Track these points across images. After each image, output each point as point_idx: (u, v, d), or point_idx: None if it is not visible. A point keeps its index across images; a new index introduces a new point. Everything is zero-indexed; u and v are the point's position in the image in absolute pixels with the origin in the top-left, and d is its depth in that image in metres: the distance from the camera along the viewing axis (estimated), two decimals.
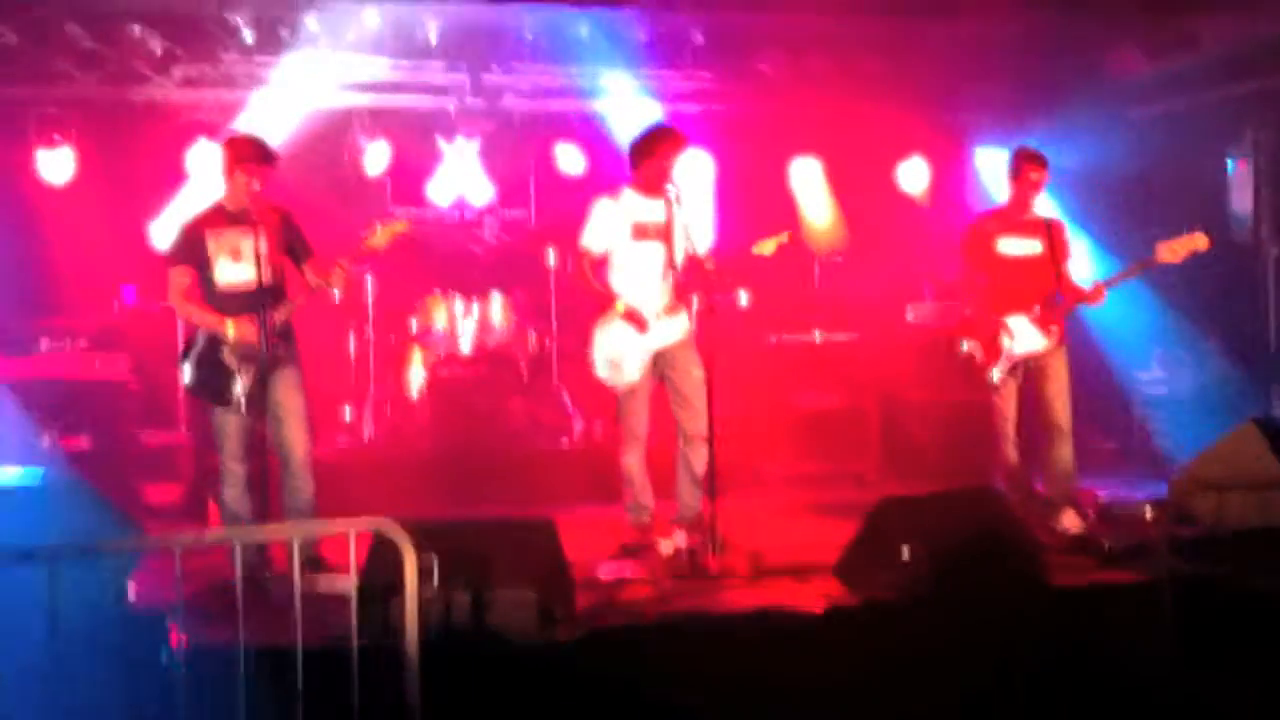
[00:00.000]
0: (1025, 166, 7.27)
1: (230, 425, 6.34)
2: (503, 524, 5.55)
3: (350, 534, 4.41)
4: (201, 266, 6.39)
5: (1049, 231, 7.37)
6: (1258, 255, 10.01)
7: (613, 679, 4.95)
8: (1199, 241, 6.88)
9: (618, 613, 5.48)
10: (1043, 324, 7.20)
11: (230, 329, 6.24)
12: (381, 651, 4.38)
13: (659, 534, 6.96)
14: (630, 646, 5.12)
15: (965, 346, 7.35)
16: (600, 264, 7.06)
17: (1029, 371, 7.28)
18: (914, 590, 5.49)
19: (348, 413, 9.74)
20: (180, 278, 6.41)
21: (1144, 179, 10.09)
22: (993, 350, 7.25)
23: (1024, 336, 7.21)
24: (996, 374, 7.25)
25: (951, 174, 11.34)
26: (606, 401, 7.85)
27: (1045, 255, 7.32)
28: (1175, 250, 6.87)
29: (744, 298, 9.78)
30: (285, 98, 9.81)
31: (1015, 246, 7.33)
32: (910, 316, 10.06)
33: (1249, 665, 5.38)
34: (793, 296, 10.14)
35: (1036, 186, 7.31)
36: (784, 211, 10.74)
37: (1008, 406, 7.31)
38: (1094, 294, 7.11)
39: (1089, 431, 8.63)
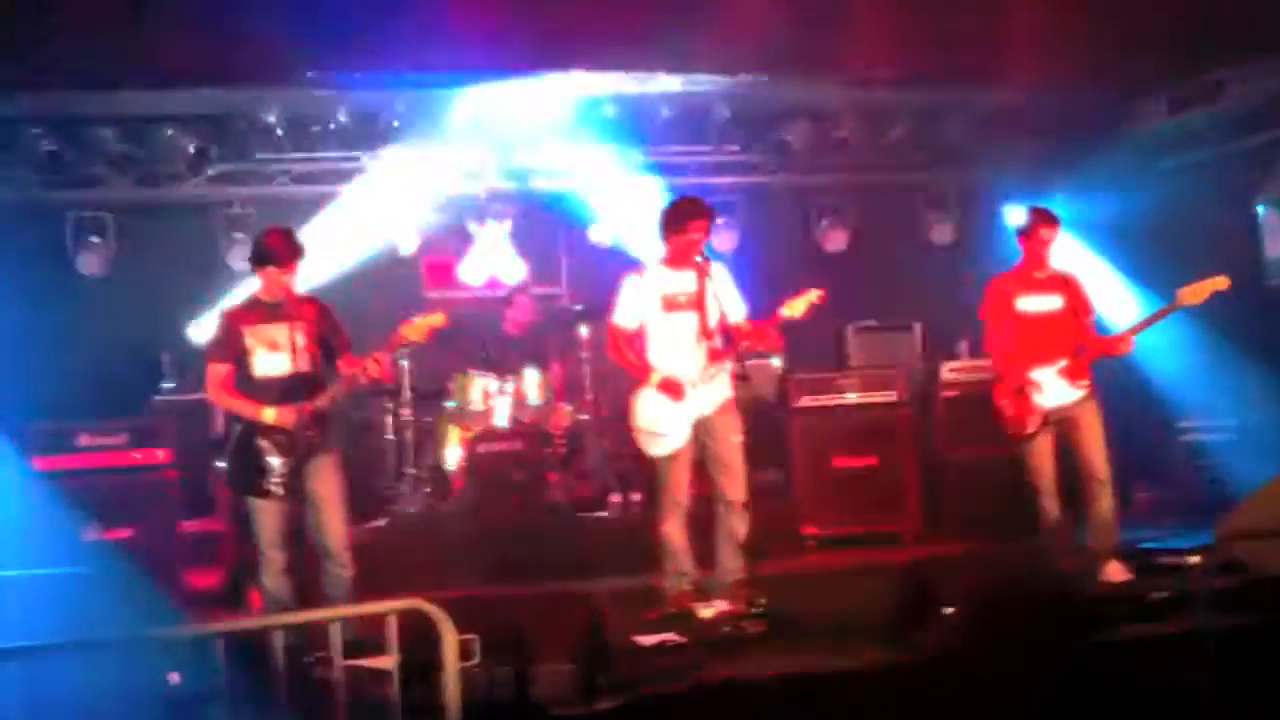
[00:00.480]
0: (1038, 225, 7.37)
1: (267, 513, 6.40)
2: (541, 597, 5.57)
3: (390, 615, 4.44)
4: (239, 359, 6.49)
5: (1066, 286, 7.44)
6: None
7: None
8: (1220, 283, 6.90)
9: (658, 680, 5.45)
10: (1070, 376, 7.22)
11: (268, 415, 6.33)
12: None
13: (699, 601, 6.96)
14: (670, 713, 5.10)
15: (1003, 405, 7.37)
16: (635, 337, 7.12)
17: (1062, 425, 7.28)
18: (955, 649, 5.44)
19: (386, 493, 9.80)
20: (218, 371, 6.52)
21: (1175, 228, 10.06)
22: (1023, 406, 7.27)
23: (1052, 390, 7.23)
24: (1029, 429, 7.27)
25: (981, 230, 11.36)
26: (643, 472, 7.86)
27: (1065, 309, 7.39)
28: (1197, 293, 6.90)
29: (778, 361, 9.82)
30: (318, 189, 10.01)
31: (1034, 304, 7.40)
32: (945, 374, 10.04)
33: None
34: (826, 359, 10.16)
35: (1048, 244, 7.39)
36: (814, 275, 10.74)
37: (1043, 461, 7.31)
38: (1119, 342, 7.12)
39: (1131, 481, 8.57)
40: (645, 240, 9.18)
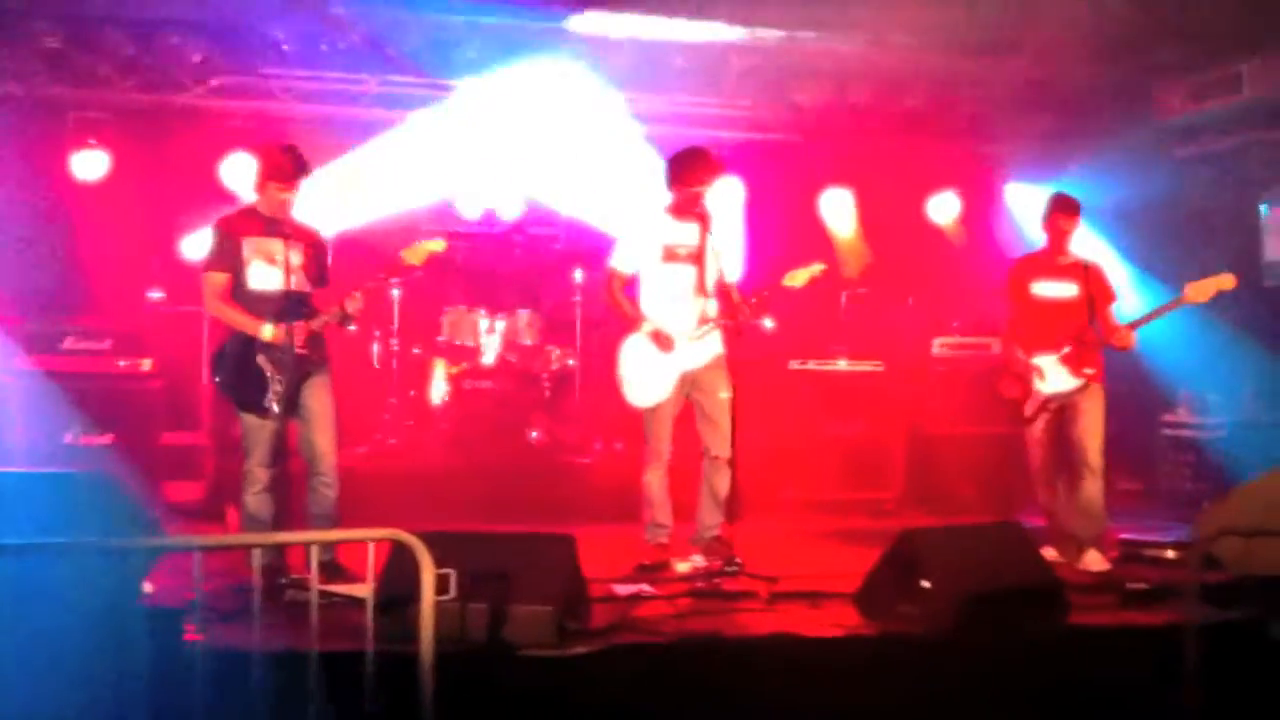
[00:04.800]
0: (1055, 214, 7.36)
1: (262, 431, 6.32)
2: (521, 538, 5.51)
3: (369, 542, 4.40)
4: (235, 271, 6.41)
5: (1086, 274, 7.39)
6: None
7: (625, 696, 4.93)
8: (1225, 281, 6.86)
9: (633, 630, 5.42)
10: (1072, 364, 7.19)
11: (266, 331, 6.26)
12: (396, 660, 4.36)
13: (676, 554, 6.95)
14: (644, 664, 5.07)
15: (1006, 387, 7.41)
16: (630, 284, 7.07)
17: (1062, 411, 7.27)
18: (932, 622, 5.44)
19: (370, 422, 9.75)
20: (217, 281, 6.42)
21: (1181, 220, 10.06)
22: (1024, 391, 7.31)
23: (1053, 376, 7.23)
24: (1027, 411, 7.30)
25: (983, 209, 11.31)
26: (628, 420, 7.83)
27: (1081, 297, 7.34)
28: (1203, 290, 6.84)
29: (770, 323, 9.78)
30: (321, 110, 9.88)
31: (1049, 289, 7.39)
32: (936, 349, 10.02)
33: (1269, 714, 5.33)
34: (819, 324, 10.13)
35: (1066, 232, 7.36)
36: (815, 240, 10.72)
37: (1036, 447, 7.34)
38: (1120, 335, 7.08)
39: (1113, 471, 8.58)
40: (648, 188, 9.08)
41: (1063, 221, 7.34)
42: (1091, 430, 7.22)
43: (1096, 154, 10.05)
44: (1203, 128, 10.11)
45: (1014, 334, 7.50)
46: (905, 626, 5.51)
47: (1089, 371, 7.21)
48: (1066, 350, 7.20)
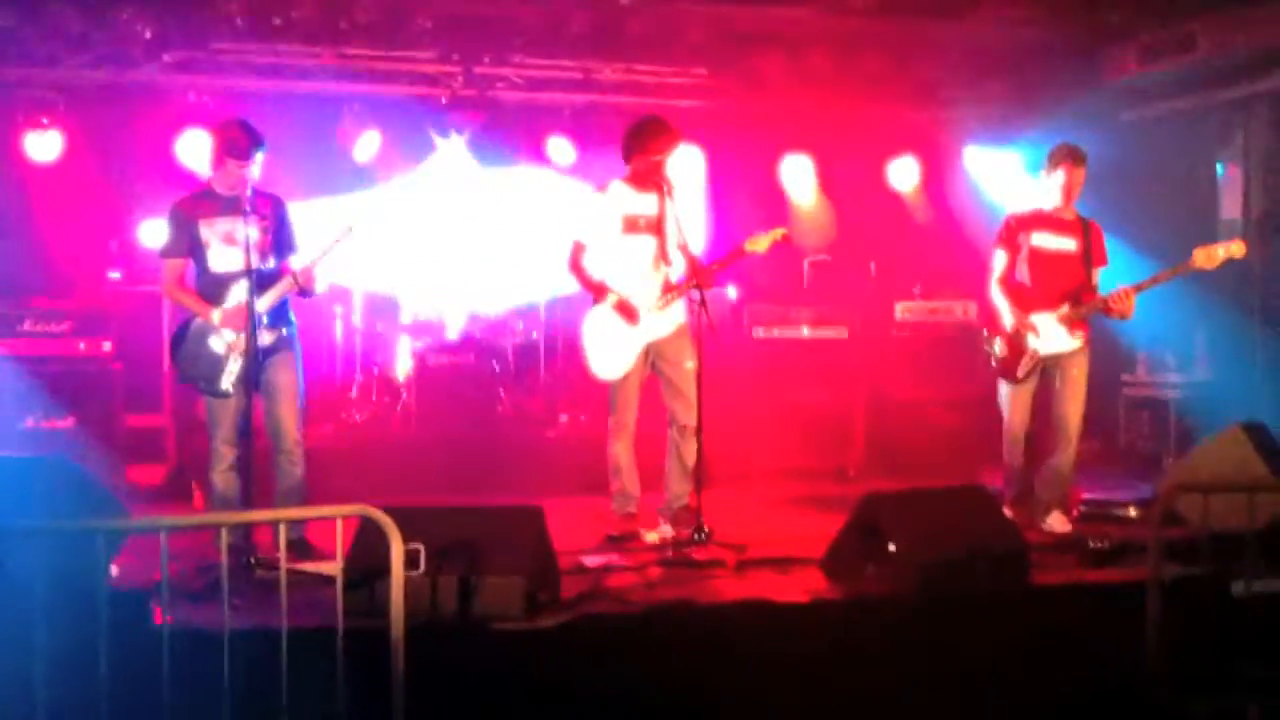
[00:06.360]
0: (1063, 164, 7.06)
1: (225, 410, 6.35)
2: (490, 511, 5.53)
3: (337, 520, 4.40)
4: (195, 253, 6.39)
5: (1086, 231, 7.18)
6: (1245, 259, 10.00)
7: (596, 665, 4.95)
8: (1236, 249, 6.65)
9: (603, 600, 5.45)
10: (1069, 324, 7.05)
11: (215, 316, 6.25)
12: (367, 636, 4.36)
13: (645, 524, 6.99)
14: (614, 634, 5.11)
15: (996, 345, 7.24)
16: (592, 256, 7.06)
17: (1049, 372, 7.16)
18: (897, 585, 5.49)
19: (335, 399, 9.73)
20: (174, 267, 6.43)
21: (1137, 181, 10.08)
22: (1017, 348, 7.15)
23: (1050, 336, 7.08)
24: (1020, 372, 7.15)
25: (942, 172, 11.34)
26: (593, 392, 7.84)
27: (1079, 254, 7.14)
28: (1212, 256, 6.62)
29: (733, 292, 9.81)
30: (277, 85, 9.78)
31: (1050, 242, 7.15)
32: (898, 314, 10.07)
33: (1232, 668, 5.40)
34: (782, 292, 10.15)
35: (1075, 184, 7.10)
36: (775, 207, 10.73)
37: (1020, 407, 7.20)
38: (1117, 299, 6.79)
39: None
40: (607, 157, 9.05)
41: (1071, 173, 7.04)
42: (1075, 396, 7.09)
43: (1052, 116, 10.08)
44: (1155, 89, 10.13)
45: (1007, 289, 7.20)
46: (871, 589, 5.58)
47: (1081, 334, 7.08)
48: (1065, 309, 7.03)
